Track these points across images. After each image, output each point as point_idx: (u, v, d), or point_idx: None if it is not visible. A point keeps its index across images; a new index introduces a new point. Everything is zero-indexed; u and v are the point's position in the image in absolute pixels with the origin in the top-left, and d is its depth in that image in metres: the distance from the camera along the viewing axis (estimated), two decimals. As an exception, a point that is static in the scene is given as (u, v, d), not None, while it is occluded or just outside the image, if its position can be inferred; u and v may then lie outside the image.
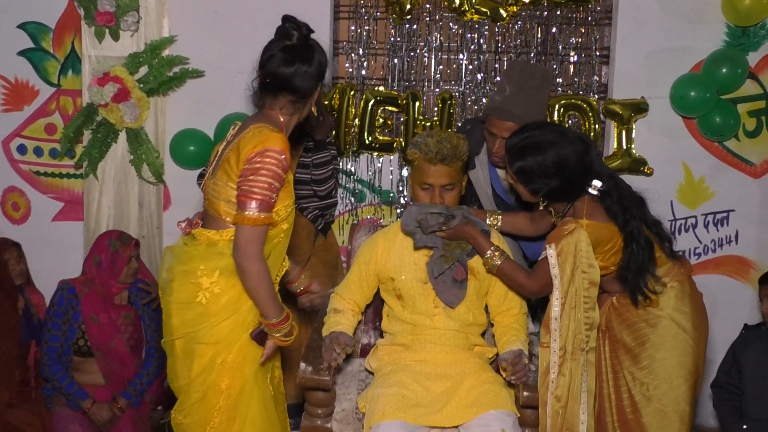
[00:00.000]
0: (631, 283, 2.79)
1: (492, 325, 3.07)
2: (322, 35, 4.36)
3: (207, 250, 2.59)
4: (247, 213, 2.46)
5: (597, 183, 2.77)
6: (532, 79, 3.15)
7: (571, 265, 2.73)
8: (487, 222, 3.12)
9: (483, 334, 3.08)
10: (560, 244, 2.73)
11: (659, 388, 2.81)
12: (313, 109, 2.69)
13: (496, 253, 2.86)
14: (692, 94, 4.17)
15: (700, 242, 4.42)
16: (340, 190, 4.41)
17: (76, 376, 3.69)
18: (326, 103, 4.29)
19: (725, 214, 4.40)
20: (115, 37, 4.22)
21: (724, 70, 4.14)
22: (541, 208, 2.92)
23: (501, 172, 3.33)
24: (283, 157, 2.48)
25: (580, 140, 2.81)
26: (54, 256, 4.40)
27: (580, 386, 2.76)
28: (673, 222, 4.36)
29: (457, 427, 2.78)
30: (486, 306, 3.06)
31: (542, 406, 2.77)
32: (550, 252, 2.74)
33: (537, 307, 3.51)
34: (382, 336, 3.19)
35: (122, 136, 4.30)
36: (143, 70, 4.25)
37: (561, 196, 2.81)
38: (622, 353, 2.87)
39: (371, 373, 3.09)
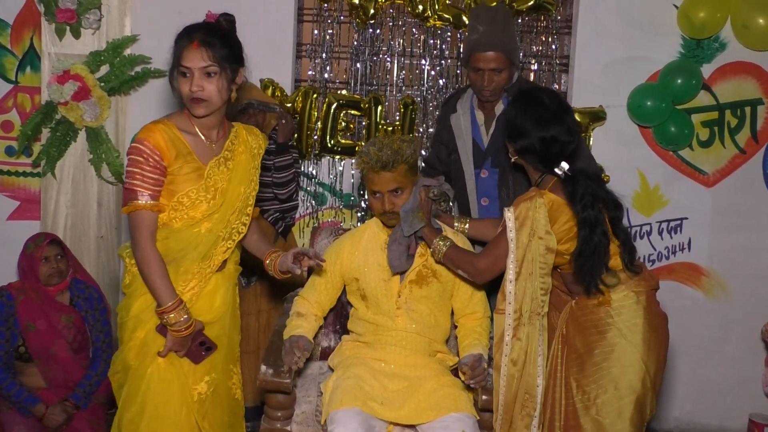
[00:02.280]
0: (584, 271, 2.74)
1: (456, 327, 3.10)
2: (286, 38, 4.39)
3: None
4: (123, 207, 2.62)
5: (564, 165, 2.76)
6: (498, 13, 3.39)
7: (528, 229, 2.72)
8: (455, 226, 3.15)
9: (446, 342, 3.11)
10: (519, 208, 2.74)
11: (600, 398, 2.77)
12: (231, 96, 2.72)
13: (441, 242, 2.89)
14: (648, 103, 4.24)
15: (655, 249, 4.49)
16: (301, 193, 4.41)
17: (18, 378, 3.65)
18: (288, 105, 4.29)
19: (679, 222, 4.48)
20: (76, 34, 4.17)
21: (679, 80, 4.23)
22: (513, 159, 2.88)
23: (480, 116, 3.46)
24: (143, 145, 2.57)
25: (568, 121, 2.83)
26: (8, 256, 4.31)
27: (537, 350, 2.78)
28: (629, 229, 4.41)
29: (414, 426, 2.81)
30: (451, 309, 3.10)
31: (496, 370, 2.78)
32: (508, 215, 2.74)
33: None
34: (343, 337, 3.21)
35: (82, 135, 4.25)
36: (104, 69, 4.21)
37: (530, 155, 2.81)
38: (572, 359, 2.84)
39: (333, 371, 3.10)
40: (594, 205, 2.71)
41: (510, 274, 2.75)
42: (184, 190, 2.63)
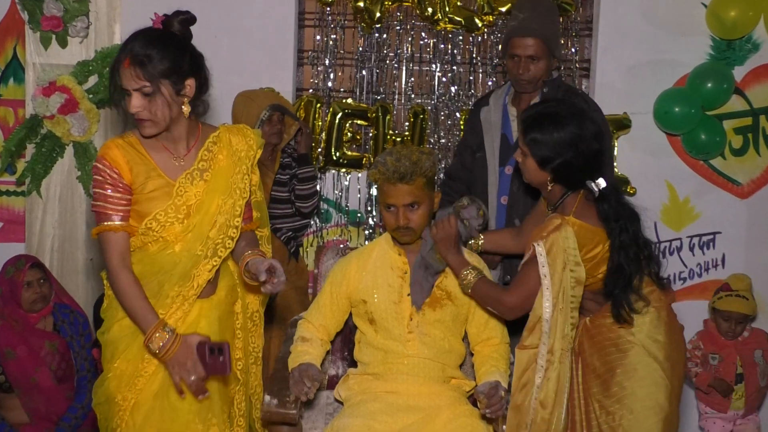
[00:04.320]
0: (617, 298, 2.76)
1: (472, 354, 3.09)
2: (286, 44, 4.40)
3: None
4: (98, 224, 2.58)
5: (601, 182, 2.75)
6: (543, 3, 3.49)
7: (561, 263, 2.69)
8: (469, 243, 3.16)
9: (462, 366, 3.10)
10: (549, 241, 2.70)
11: (625, 418, 2.77)
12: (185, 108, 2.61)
13: (469, 274, 2.87)
14: (676, 109, 4.25)
15: (686, 266, 4.48)
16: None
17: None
18: (293, 115, 4.32)
19: (711, 237, 4.47)
20: (63, 43, 4.21)
21: (709, 84, 4.23)
22: (549, 187, 2.84)
23: (513, 111, 3.48)
24: (101, 164, 2.55)
25: (596, 122, 2.82)
26: (-9, 281, 4.35)
27: (565, 390, 2.75)
28: (657, 245, 4.40)
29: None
30: (466, 335, 3.09)
31: (515, 410, 2.75)
32: (539, 250, 2.70)
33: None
34: (350, 366, 3.19)
35: (69, 151, 4.27)
36: (93, 80, 4.23)
37: (570, 176, 2.78)
38: (592, 379, 2.84)
39: (341, 403, 3.09)
40: (628, 227, 2.74)
41: (546, 312, 2.72)
42: (151, 213, 2.57)
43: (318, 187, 4.15)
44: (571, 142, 2.73)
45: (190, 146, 2.67)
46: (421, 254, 2.96)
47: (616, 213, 2.73)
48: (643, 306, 2.79)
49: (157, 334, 2.50)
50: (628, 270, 2.74)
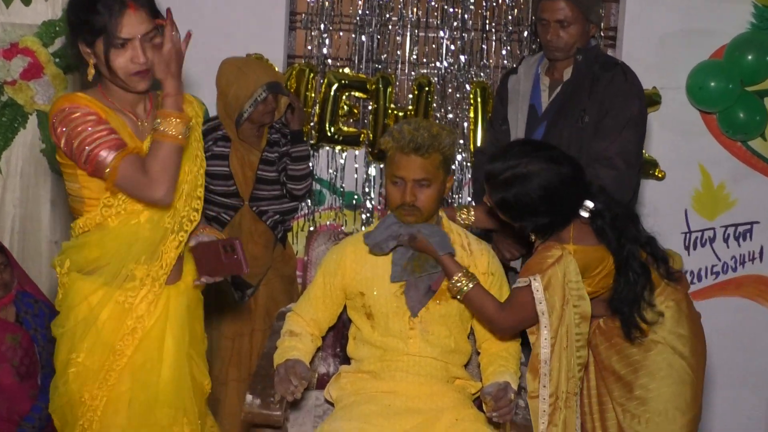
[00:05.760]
0: (627, 316, 2.84)
1: (478, 353, 3.08)
2: (277, 6, 4.38)
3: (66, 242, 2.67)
4: (106, 169, 2.42)
5: (588, 204, 2.82)
6: None
7: (560, 299, 2.77)
8: (459, 218, 3.20)
9: (467, 365, 3.09)
10: (546, 275, 2.77)
11: (652, 422, 2.85)
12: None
13: (464, 278, 2.88)
14: (712, 84, 4.26)
15: (719, 259, 4.49)
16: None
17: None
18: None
19: (748, 227, 4.48)
20: (26, 1, 4.20)
21: (749, 57, 4.23)
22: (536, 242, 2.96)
23: (545, 81, 3.56)
24: (72, 104, 2.46)
25: (570, 163, 2.85)
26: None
27: None
28: (688, 234, 4.45)
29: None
30: (472, 331, 3.08)
31: None
32: (536, 285, 2.77)
33: None
34: (343, 363, 3.19)
35: (32, 121, 4.29)
36: (60, 42, 4.22)
37: (550, 230, 2.86)
38: (612, 382, 2.92)
39: (331, 404, 3.09)
40: (628, 235, 2.82)
41: (543, 354, 2.80)
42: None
43: (311, 167, 4.13)
44: (542, 203, 2.78)
45: (147, 109, 2.64)
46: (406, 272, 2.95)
47: (614, 228, 2.81)
48: (657, 316, 2.86)
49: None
50: (637, 285, 2.82)
